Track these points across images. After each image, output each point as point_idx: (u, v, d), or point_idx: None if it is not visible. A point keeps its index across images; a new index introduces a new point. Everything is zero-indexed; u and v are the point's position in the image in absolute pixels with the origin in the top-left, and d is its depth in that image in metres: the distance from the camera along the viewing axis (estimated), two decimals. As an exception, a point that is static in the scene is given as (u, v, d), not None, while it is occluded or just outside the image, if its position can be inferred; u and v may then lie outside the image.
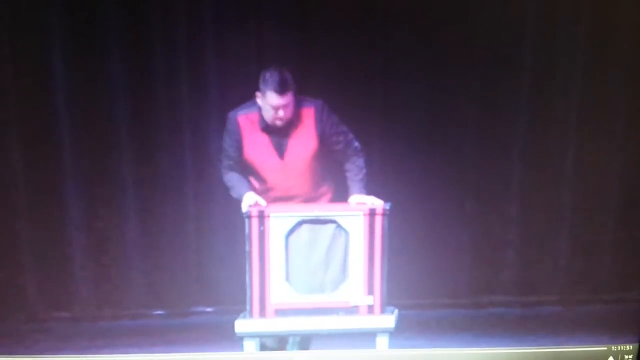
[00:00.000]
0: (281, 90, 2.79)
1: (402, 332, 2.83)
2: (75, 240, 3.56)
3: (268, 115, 2.83)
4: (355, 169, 2.94)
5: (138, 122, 3.51)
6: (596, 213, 3.60)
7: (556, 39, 3.51)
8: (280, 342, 2.99)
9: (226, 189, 2.99)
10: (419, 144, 3.51)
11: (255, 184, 2.92)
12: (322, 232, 2.79)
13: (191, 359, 2.99)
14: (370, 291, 2.78)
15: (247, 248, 2.77)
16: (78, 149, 3.50)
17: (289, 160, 2.88)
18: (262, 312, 2.77)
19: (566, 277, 3.64)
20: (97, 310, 3.58)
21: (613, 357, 2.85)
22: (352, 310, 2.79)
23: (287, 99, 2.80)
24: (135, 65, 3.47)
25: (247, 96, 3.35)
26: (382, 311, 2.78)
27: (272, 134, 2.86)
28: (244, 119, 2.88)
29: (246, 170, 2.92)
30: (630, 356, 2.84)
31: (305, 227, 2.78)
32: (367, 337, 2.82)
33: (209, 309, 3.61)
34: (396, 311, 2.83)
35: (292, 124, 2.86)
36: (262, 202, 2.83)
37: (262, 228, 2.76)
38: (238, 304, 2.87)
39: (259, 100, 2.85)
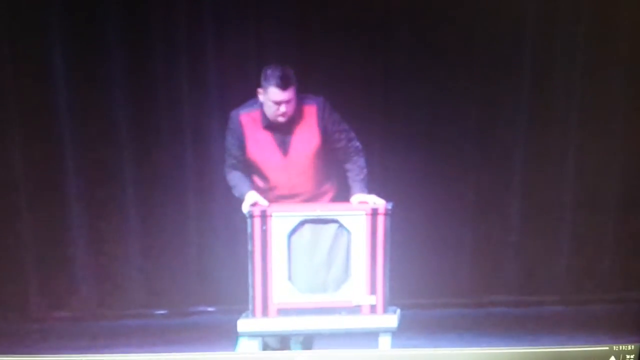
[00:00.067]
0: (283, 85, 2.78)
1: (405, 332, 2.82)
2: (76, 240, 3.55)
3: (270, 111, 2.82)
4: (356, 168, 2.94)
5: (139, 122, 3.51)
6: (597, 213, 3.61)
7: (556, 39, 3.52)
8: (282, 341, 2.98)
9: (228, 189, 2.98)
10: (421, 143, 3.52)
11: (259, 182, 2.91)
12: (325, 231, 2.78)
13: (192, 358, 2.98)
14: (373, 291, 2.78)
15: (249, 247, 2.76)
16: (79, 148, 3.50)
17: (293, 158, 2.87)
18: (265, 312, 2.77)
19: (567, 277, 3.65)
20: (98, 310, 3.57)
21: (614, 357, 2.85)
22: (355, 309, 2.78)
23: (289, 94, 2.80)
24: (137, 65, 3.47)
25: (247, 95, 3.33)
26: (385, 311, 2.78)
27: (275, 132, 2.86)
28: (246, 118, 2.87)
29: (249, 169, 2.91)
30: (632, 356, 2.84)
31: (307, 226, 2.78)
32: (369, 336, 2.82)
33: (210, 309, 3.61)
34: (398, 311, 2.82)
35: (294, 121, 2.85)
36: (262, 201, 2.82)
37: (264, 228, 2.75)
38: (240, 303, 2.86)
39: (260, 97, 2.84)
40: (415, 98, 3.51)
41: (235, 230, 3.17)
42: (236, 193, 2.91)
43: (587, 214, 3.62)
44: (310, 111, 2.87)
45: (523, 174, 3.60)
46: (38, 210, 3.50)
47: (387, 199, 2.84)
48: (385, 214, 2.77)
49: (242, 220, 2.81)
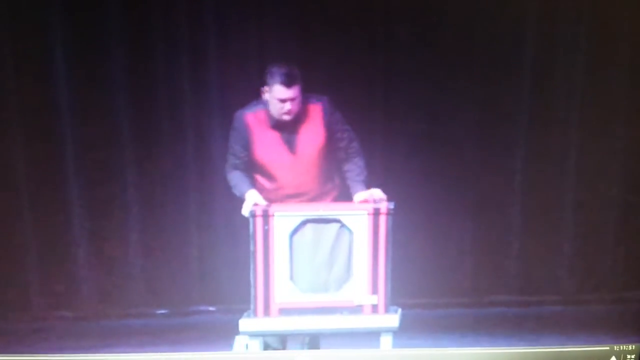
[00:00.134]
0: (288, 82, 2.78)
1: (406, 332, 2.82)
2: (77, 240, 3.55)
3: (275, 109, 2.82)
4: (357, 169, 2.93)
5: (140, 122, 3.51)
6: (597, 213, 3.62)
7: (557, 39, 3.53)
8: (282, 341, 2.98)
9: (229, 188, 2.98)
10: (422, 143, 3.52)
11: (265, 182, 2.91)
12: (327, 231, 2.78)
13: (193, 358, 2.97)
14: (375, 290, 2.77)
15: (251, 247, 2.75)
16: (80, 149, 3.50)
17: (300, 157, 2.87)
18: (266, 312, 2.76)
19: (568, 277, 3.66)
20: (99, 310, 3.57)
21: (615, 357, 2.85)
22: (356, 309, 2.78)
23: (294, 92, 2.79)
24: (138, 65, 3.47)
25: (249, 95, 3.33)
26: (386, 310, 2.77)
27: (282, 131, 2.85)
28: (252, 118, 2.87)
29: (254, 169, 2.90)
30: (633, 356, 2.84)
31: (309, 226, 2.77)
32: (371, 336, 2.82)
33: (211, 308, 3.61)
34: (400, 310, 2.82)
35: (300, 119, 2.85)
36: (261, 201, 2.82)
37: (266, 227, 2.75)
38: (241, 303, 2.86)
39: (265, 96, 2.84)
40: (417, 98, 3.52)
41: (236, 230, 3.17)
42: (236, 192, 2.91)
43: (587, 214, 3.63)
44: (316, 110, 2.87)
45: (523, 174, 3.61)
46: (39, 210, 3.51)
47: (389, 199, 2.84)
48: (387, 214, 2.76)
49: (244, 220, 2.81)
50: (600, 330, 3.23)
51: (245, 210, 2.81)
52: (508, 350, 2.85)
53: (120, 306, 3.58)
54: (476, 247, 3.64)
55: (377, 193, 2.84)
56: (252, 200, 2.82)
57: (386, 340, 2.78)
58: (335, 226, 2.78)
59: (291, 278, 2.77)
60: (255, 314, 2.77)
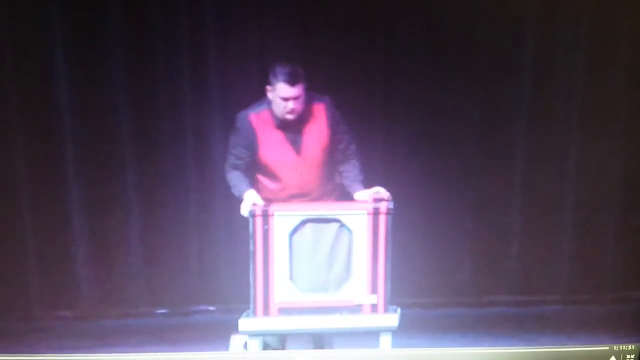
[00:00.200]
0: (292, 81, 2.79)
1: (406, 331, 2.82)
2: (77, 240, 3.55)
3: (279, 109, 2.83)
4: (355, 169, 2.95)
5: (139, 121, 3.51)
6: (597, 213, 3.62)
7: (557, 38, 3.52)
8: (282, 341, 2.98)
9: (229, 188, 2.99)
10: (422, 143, 3.52)
11: (268, 183, 2.92)
12: (326, 231, 2.78)
13: (192, 358, 2.98)
14: (374, 290, 2.78)
15: (251, 247, 2.76)
16: (80, 148, 3.49)
17: (305, 156, 2.88)
18: (266, 311, 2.77)
19: (568, 276, 3.65)
20: (99, 309, 3.57)
21: (615, 357, 2.85)
22: (356, 309, 2.78)
23: (298, 90, 2.80)
24: (138, 65, 3.47)
25: (249, 95, 3.34)
26: (386, 310, 2.78)
27: (286, 131, 2.87)
28: (257, 118, 2.87)
29: (257, 169, 2.91)
30: (632, 356, 2.84)
31: (309, 226, 2.78)
32: (370, 336, 2.82)
33: (211, 308, 3.61)
34: (399, 310, 2.82)
35: (305, 119, 2.87)
36: (259, 201, 2.83)
37: (266, 227, 2.75)
38: (241, 302, 2.86)
39: (269, 95, 2.85)
40: (417, 98, 3.52)
41: (236, 230, 3.17)
42: (235, 192, 2.92)
43: (587, 214, 3.63)
44: (320, 110, 2.89)
45: (523, 174, 3.61)
46: (39, 209, 3.50)
47: (388, 199, 2.84)
48: (387, 213, 2.77)
49: (243, 220, 2.81)
50: (599, 330, 3.23)
51: (244, 210, 2.82)
52: (508, 350, 2.86)
53: (119, 306, 3.58)
54: (476, 247, 3.64)
55: (382, 191, 2.85)
56: (250, 200, 2.83)
57: (385, 339, 2.78)
58: (334, 226, 2.79)
59: (291, 278, 2.78)
60: (254, 313, 2.78)
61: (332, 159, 2.94)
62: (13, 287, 3.51)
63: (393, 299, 2.81)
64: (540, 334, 3.32)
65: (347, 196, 2.95)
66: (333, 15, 3.46)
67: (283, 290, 2.77)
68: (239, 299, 2.95)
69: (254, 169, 2.91)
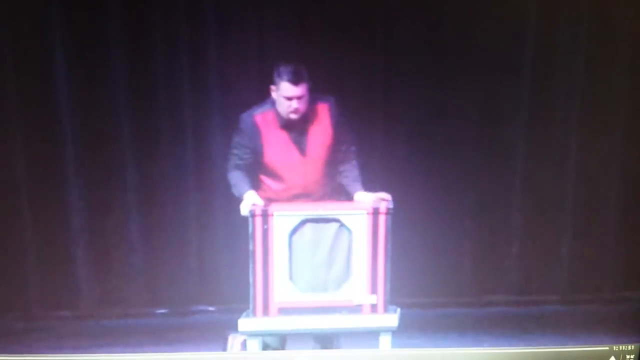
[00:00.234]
0: (295, 80, 2.81)
1: (405, 331, 2.82)
2: (77, 239, 3.55)
3: (282, 108, 2.84)
4: (355, 170, 2.96)
5: (139, 121, 3.51)
6: (597, 213, 3.62)
7: (557, 38, 3.52)
8: (282, 341, 2.98)
9: (228, 188, 2.99)
10: (422, 142, 3.52)
11: (272, 183, 2.92)
12: (326, 230, 2.79)
13: (192, 358, 2.98)
14: (374, 290, 2.78)
15: (250, 247, 2.76)
16: (80, 148, 3.49)
17: (309, 156, 2.89)
18: (266, 311, 2.77)
19: (568, 276, 3.65)
20: (99, 309, 3.57)
21: (615, 357, 2.85)
22: (355, 309, 2.78)
23: (301, 90, 2.82)
24: (138, 65, 3.47)
25: (250, 95, 3.35)
26: (385, 310, 2.78)
27: (291, 131, 2.87)
28: (262, 118, 2.88)
29: (261, 169, 2.92)
30: (632, 356, 2.84)
31: (308, 225, 2.78)
32: (370, 336, 2.82)
33: (211, 308, 3.61)
34: (399, 310, 2.82)
35: (308, 119, 2.88)
36: (259, 201, 2.83)
37: (265, 227, 2.75)
38: (240, 302, 2.86)
39: (273, 94, 2.86)
40: (417, 98, 3.51)
41: (235, 230, 3.17)
42: (235, 192, 2.93)
43: (587, 214, 3.62)
44: (324, 110, 2.90)
45: (523, 173, 3.61)
46: (39, 209, 3.50)
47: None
48: (387, 213, 2.77)
49: (243, 220, 2.81)
50: (599, 330, 3.23)
51: (243, 210, 2.82)
52: (508, 350, 2.86)
53: (119, 306, 3.58)
54: (476, 247, 3.64)
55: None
56: (250, 200, 2.83)
57: (385, 340, 2.78)
58: (334, 226, 2.79)
59: (290, 278, 2.78)
60: (254, 313, 2.78)
61: (334, 159, 2.94)
62: (12, 286, 3.51)
63: (393, 299, 2.81)
64: (540, 334, 3.32)
65: (348, 196, 2.96)
66: (333, 15, 3.46)
67: (283, 290, 2.77)
68: (238, 299, 2.95)
69: (256, 169, 2.92)
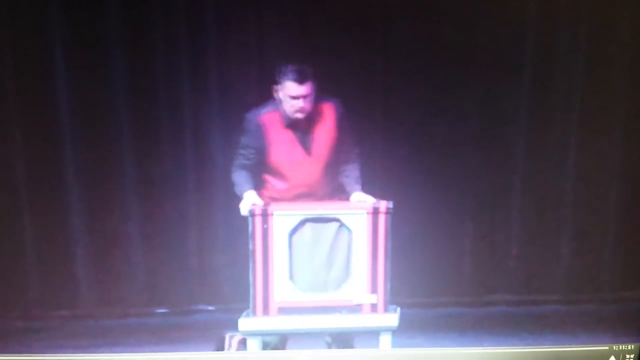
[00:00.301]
0: (300, 79, 2.80)
1: (405, 331, 2.82)
2: (77, 239, 3.55)
3: (287, 107, 2.83)
4: (357, 172, 2.95)
5: (140, 121, 3.51)
6: (597, 213, 3.62)
7: (557, 38, 3.53)
8: (282, 340, 2.98)
9: (228, 188, 2.99)
10: (422, 142, 3.52)
11: (277, 183, 2.92)
12: (326, 230, 2.78)
13: (192, 358, 2.97)
14: (374, 290, 2.77)
15: (250, 246, 2.76)
16: (80, 148, 3.49)
17: (314, 155, 2.89)
18: (266, 311, 2.76)
19: (568, 276, 3.65)
20: (99, 309, 3.57)
21: (614, 357, 2.85)
22: (355, 308, 2.78)
23: (306, 89, 2.81)
24: (138, 66, 3.47)
25: (250, 95, 3.36)
26: (385, 310, 2.77)
27: (296, 130, 2.87)
28: (267, 118, 2.88)
29: (266, 169, 2.91)
30: (632, 356, 2.84)
31: (308, 225, 2.77)
32: (370, 335, 2.82)
33: (211, 308, 3.61)
34: (399, 309, 2.82)
35: (313, 119, 2.87)
36: (259, 201, 2.83)
37: (265, 226, 2.75)
38: (240, 302, 2.86)
39: (277, 94, 2.85)
40: (417, 98, 3.52)
41: (235, 229, 3.16)
42: (237, 191, 2.92)
43: (587, 214, 3.62)
44: (329, 110, 2.90)
45: (523, 173, 3.61)
46: (39, 209, 3.50)
47: (388, 198, 2.84)
48: (387, 213, 2.77)
49: (243, 219, 2.81)
50: (599, 330, 3.23)
51: (243, 210, 2.82)
52: (508, 350, 2.85)
53: (119, 306, 3.58)
54: (476, 247, 3.64)
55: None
56: (250, 200, 2.83)
57: (385, 339, 2.78)
58: (334, 225, 2.79)
59: (290, 277, 2.77)
60: (254, 313, 2.77)
61: (338, 159, 2.94)
62: (12, 286, 3.51)
63: (393, 298, 2.80)
64: (540, 334, 3.31)
65: (347, 195, 2.96)
66: (333, 15, 3.47)
67: (283, 290, 2.77)
68: (238, 299, 2.95)
69: (261, 168, 2.92)
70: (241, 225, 2.83)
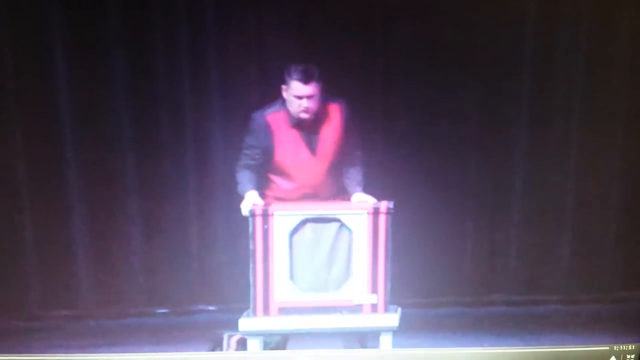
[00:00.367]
0: (305, 79, 2.80)
1: (406, 331, 2.82)
2: (77, 239, 3.55)
3: (293, 107, 2.83)
4: (359, 175, 2.95)
5: (140, 122, 3.51)
6: (599, 213, 3.62)
7: (557, 38, 3.53)
8: (283, 340, 2.98)
9: (229, 188, 2.99)
10: (422, 142, 3.53)
11: (282, 183, 2.92)
12: (326, 230, 2.78)
13: (192, 358, 2.97)
14: (374, 290, 2.77)
15: (250, 246, 2.76)
16: (80, 148, 3.49)
17: (320, 156, 2.89)
18: (266, 311, 2.76)
19: (568, 276, 3.66)
20: (99, 309, 3.57)
21: (615, 357, 2.85)
22: (356, 309, 2.78)
23: (312, 89, 2.81)
24: (138, 66, 3.47)
25: (250, 95, 3.36)
26: (386, 310, 2.77)
27: (302, 130, 2.87)
28: (273, 118, 2.88)
29: (272, 169, 2.91)
30: (633, 356, 2.84)
31: (309, 225, 2.77)
32: (370, 335, 2.82)
33: (211, 308, 3.61)
34: (400, 310, 2.82)
35: (320, 119, 2.87)
36: (259, 201, 2.83)
37: (266, 226, 2.75)
38: (241, 302, 2.86)
39: (284, 94, 2.85)
40: (417, 98, 3.52)
41: (236, 229, 3.16)
42: (239, 191, 2.92)
43: (587, 214, 3.62)
44: (335, 111, 2.90)
45: (524, 173, 3.61)
46: (39, 209, 3.50)
47: (388, 198, 2.84)
48: (387, 213, 2.77)
49: (244, 220, 2.81)
50: (600, 330, 3.23)
51: (244, 210, 2.82)
52: (508, 350, 2.85)
53: (119, 306, 3.58)
54: (476, 247, 3.64)
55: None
56: (250, 200, 2.83)
57: (386, 339, 2.78)
58: (334, 225, 2.79)
59: (291, 277, 2.77)
60: (254, 313, 2.77)
61: (342, 160, 2.94)
62: (12, 286, 3.50)
63: (393, 298, 2.80)
64: (540, 334, 3.31)
65: (348, 196, 2.96)
66: (333, 15, 3.47)
67: (283, 290, 2.76)
68: (238, 299, 2.96)
69: (267, 168, 2.92)
70: (242, 226, 2.83)
